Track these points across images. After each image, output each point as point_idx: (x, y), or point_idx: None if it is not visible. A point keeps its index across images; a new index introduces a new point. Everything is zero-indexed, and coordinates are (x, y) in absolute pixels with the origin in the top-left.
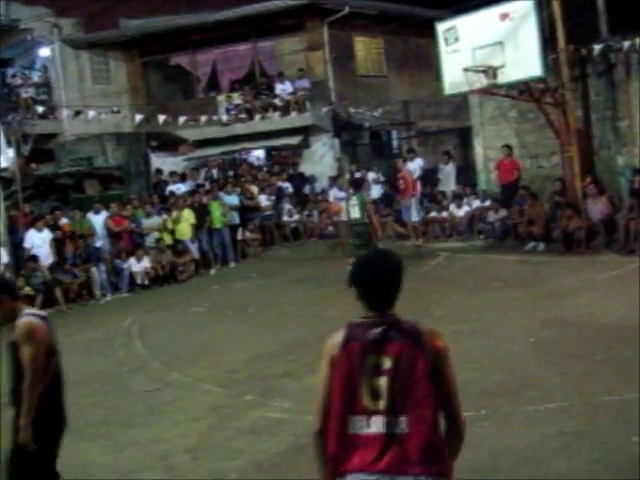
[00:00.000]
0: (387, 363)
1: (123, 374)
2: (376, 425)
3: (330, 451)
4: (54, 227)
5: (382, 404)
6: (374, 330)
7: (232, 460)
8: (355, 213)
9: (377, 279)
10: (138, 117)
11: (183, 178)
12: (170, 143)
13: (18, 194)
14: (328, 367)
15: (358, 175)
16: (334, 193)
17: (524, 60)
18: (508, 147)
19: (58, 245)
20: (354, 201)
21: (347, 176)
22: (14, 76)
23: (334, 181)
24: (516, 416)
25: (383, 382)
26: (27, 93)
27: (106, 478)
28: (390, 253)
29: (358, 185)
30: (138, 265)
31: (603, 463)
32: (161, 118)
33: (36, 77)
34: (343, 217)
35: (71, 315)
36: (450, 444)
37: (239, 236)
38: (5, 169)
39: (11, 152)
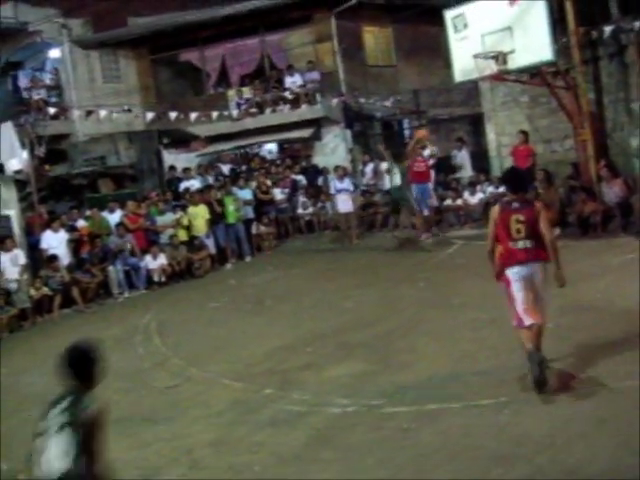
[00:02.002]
0: (522, 217)
1: (144, 371)
2: (521, 244)
3: (500, 257)
4: (71, 228)
5: (522, 235)
6: (515, 203)
7: (254, 453)
8: (397, 180)
9: (513, 179)
10: (149, 115)
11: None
12: (182, 140)
13: (33, 195)
14: (494, 222)
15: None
16: (334, 185)
17: (534, 44)
18: (524, 133)
19: (75, 245)
20: (397, 170)
21: (360, 167)
22: (32, 79)
23: (336, 172)
24: (535, 403)
25: (521, 226)
26: (38, 95)
27: (131, 474)
28: (515, 169)
29: (397, 157)
30: (154, 262)
31: (625, 448)
32: (172, 115)
33: (47, 79)
34: (342, 209)
35: (90, 314)
36: (550, 251)
37: (253, 230)
38: (20, 171)
39: (25, 154)
